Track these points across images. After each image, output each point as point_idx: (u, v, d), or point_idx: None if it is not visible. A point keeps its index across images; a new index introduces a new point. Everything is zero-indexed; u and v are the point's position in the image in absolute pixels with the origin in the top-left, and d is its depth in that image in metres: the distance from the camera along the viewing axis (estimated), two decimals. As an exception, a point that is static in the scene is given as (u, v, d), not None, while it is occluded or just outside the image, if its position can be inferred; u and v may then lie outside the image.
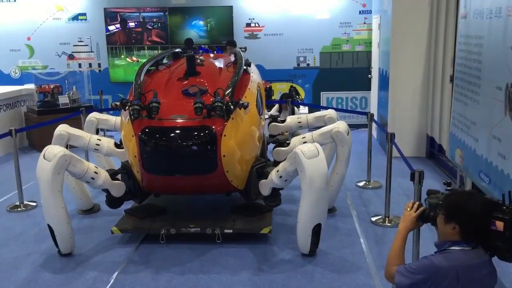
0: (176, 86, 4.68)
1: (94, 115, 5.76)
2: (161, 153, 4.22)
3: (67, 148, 5.01)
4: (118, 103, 4.38)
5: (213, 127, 4.16)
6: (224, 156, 4.18)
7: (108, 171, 4.63)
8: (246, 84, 4.95)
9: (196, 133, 4.18)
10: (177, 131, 4.20)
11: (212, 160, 4.18)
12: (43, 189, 4.18)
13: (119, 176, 4.64)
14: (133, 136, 4.21)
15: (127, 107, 4.26)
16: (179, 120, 4.24)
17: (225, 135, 4.17)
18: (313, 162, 4.01)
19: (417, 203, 2.58)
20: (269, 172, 4.47)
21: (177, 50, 5.79)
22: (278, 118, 5.79)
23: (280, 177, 4.33)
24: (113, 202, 4.66)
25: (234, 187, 4.55)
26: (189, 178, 4.34)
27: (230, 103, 4.18)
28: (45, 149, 4.26)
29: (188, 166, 4.26)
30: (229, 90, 4.38)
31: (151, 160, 4.24)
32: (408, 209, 2.57)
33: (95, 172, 4.44)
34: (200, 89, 4.42)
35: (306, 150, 4.06)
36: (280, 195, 4.63)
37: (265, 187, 4.51)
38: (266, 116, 5.82)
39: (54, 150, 4.20)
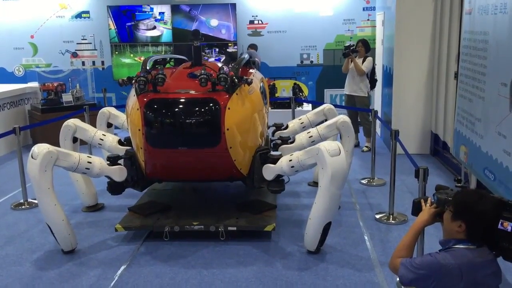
0: (183, 72, 4.77)
1: (107, 109, 5.88)
2: (165, 125, 4.24)
3: (74, 140, 5.15)
4: (125, 79, 4.46)
5: (218, 99, 4.21)
6: (227, 129, 4.20)
7: (109, 156, 4.64)
8: (250, 74, 5.13)
9: (200, 104, 4.23)
10: (182, 103, 4.26)
11: (216, 133, 4.20)
12: (34, 187, 4.20)
13: (121, 162, 4.64)
14: (138, 109, 4.24)
15: (133, 81, 4.33)
16: (184, 93, 4.31)
17: (229, 108, 4.20)
18: (336, 160, 4.01)
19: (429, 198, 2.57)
20: (273, 158, 4.47)
21: (184, 57, 5.94)
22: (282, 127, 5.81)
23: (292, 167, 4.33)
24: (114, 188, 4.65)
25: (238, 170, 4.53)
26: (192, 153, 4.33)
27: (234, 77, 4.26)
28: (32, 148, 4.26)
29: (191, 138, 4.28)
30: (234, 67, 4.51)
31: (155, 132, 4.25)
32: (428, 204, 2.56)
33: (89, 162, 4.44)
34: (206, 72, 4.44)
35: (330, 148, 4.06)
36: (283, 181, 4.62)
37: (270, 172, 4.49)
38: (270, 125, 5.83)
39: (39, 148, 4.19)
